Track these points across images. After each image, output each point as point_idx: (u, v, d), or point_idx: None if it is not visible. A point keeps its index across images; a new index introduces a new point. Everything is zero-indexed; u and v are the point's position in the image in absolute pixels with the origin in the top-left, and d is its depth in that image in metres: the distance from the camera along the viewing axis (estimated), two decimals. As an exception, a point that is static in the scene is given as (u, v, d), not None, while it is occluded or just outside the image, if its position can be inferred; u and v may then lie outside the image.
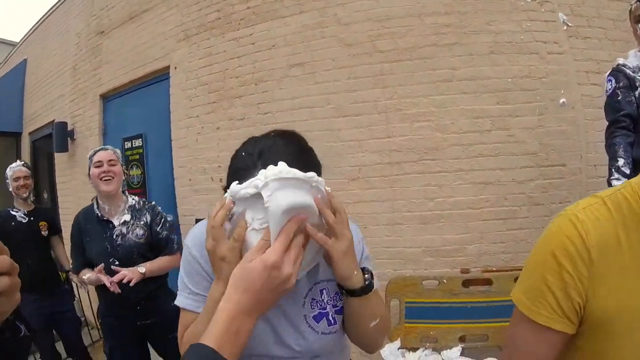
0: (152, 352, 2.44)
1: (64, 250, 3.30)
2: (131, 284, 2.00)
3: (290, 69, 3.14)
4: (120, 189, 2.29)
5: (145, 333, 2.30)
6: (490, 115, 2.83)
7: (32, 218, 3.05)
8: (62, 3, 5.61)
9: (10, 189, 3.02)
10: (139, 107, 4.25)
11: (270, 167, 0.74)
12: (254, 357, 1.02)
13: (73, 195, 5.05)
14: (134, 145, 4.18)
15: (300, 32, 3.13)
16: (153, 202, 2.40)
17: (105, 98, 4.67)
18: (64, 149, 4.98)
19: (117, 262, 2.13)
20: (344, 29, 3.02)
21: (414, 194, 2.87)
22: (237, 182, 0.78)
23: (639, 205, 0.66)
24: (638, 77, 2.02)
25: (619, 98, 2.02)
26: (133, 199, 2.35)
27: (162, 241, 2.28)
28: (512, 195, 2.81)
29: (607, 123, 2.10)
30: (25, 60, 6.74)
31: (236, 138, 3.02)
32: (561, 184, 2.83)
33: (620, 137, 1.99)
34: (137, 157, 4.17)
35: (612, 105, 2.07)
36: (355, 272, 0.87)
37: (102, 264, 2.06)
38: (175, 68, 3.78)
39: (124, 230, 2.22)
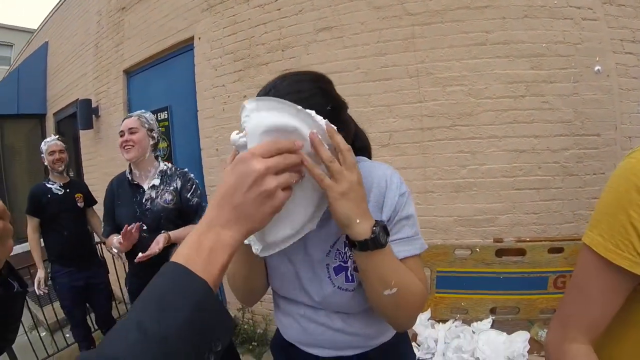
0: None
1: (100, 221, 3.33)
2: (158, 250, 1.97)
3: (318, 34, 3.08)
4: (151, 154, 2.27)
5: None
6: (524, 80, 2.74)
7: (67, 190, 3.10)
8: (82, -18, 5.64)
9: (46, 163, 3.06)
10: (163, 80, 4.24)
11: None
12: (285, 299, 1.02)
13: (98, 171, 5.12)
14: (159, 119, 4.17)
15: (328, -5, 3.05)
16: (185, 169, 2.36)
17: (129, 73, 4.70)
18: (88, 126, 5.03)
19: (144, 227, 2.13)
20: (372, -9, 2.93)
21: (446, 161, 2.80)
22: (237, 131, 0.74)
23: None
24: None
25: None
26: (165, 165, 2.32)
27: (192, 208, 2.24)
28: (545, 164, 2.73)
29: None
30: (46, 43, 6.83)
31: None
32: (595, 155, 2.74)
33: None
34: (163, 129, 4.16)
35: None
36: (358, 221, 0.75)
37: (127, 225, 2.02)
38: (200, 38, 3.75)
39: (153, 194, 2.20)
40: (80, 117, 5.01)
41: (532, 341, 2.21)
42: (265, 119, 0.69)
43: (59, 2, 6.37)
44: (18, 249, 6.04)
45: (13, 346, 1.63)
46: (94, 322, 3.38)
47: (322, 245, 0.92)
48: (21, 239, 6.56)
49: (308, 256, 0.94)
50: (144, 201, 2.19)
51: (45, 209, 2.99)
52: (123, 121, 2.27)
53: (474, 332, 2.43)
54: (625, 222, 0.64)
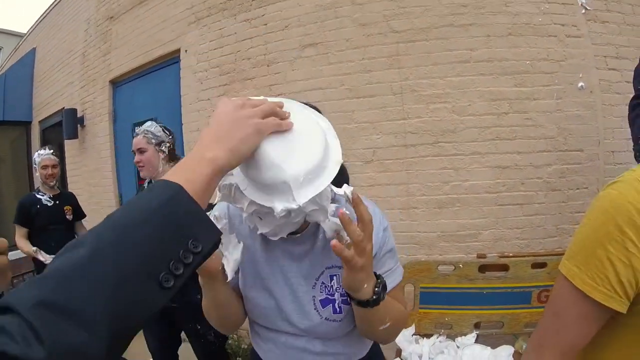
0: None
1: None
2: None
3: (304, 50, 3.09)
4: (166, 165, 2.25)
5: (173, 319, 2.27)
6: (507, 97, 2.78)
7: (57, 202, 3.07)
8: (71, -10, 5.61)
9: (37, 174, 3.02)
10: (149, 91, 4.23)
11: None
12: (265, 328, 1.01)
13: (83, 182, 5.06)
14: (144, 130, 4.15)
15: (314, 12, 3.07)
16: None
17: (115, 84, 4.67)
18: (73, 135, 4.99)
19: None
20: (358, 8, 2.96)
21: (429, 177, 2.81)
22: None
23: None
24: None
25: None
26: None
27: None
28: (529, 180, 2.76)
29: (634, 93, 1.98)
30: (34, 49, 6.76)
31: (248, 120, 2.97)
32: (579, 170, 2.78)
33: None
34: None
35: None
36: (365, 286, 0.77)
37: None
38: (186, 51, 3.75)
39: None
40: (66, 126, 4.96)
41: (517, 355, 2.22)
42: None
43: (49, 7, 6.32)
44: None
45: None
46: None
47: (305, 278, 0.93)
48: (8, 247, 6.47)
49: (291, 289, 0.94)
50: None
51: (34, 220, 2.97)
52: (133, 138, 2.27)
53: (458, 347, 2.44)
54: (602, 256, 0.64)
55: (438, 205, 2.80)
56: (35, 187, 3.15)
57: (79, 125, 4.99)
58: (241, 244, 0.80)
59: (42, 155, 3.01)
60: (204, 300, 0.95)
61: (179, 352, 2.45)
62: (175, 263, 0.45)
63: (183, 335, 2.41)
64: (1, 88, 6.65)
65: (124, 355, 0.46)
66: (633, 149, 1.93)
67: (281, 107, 0.71)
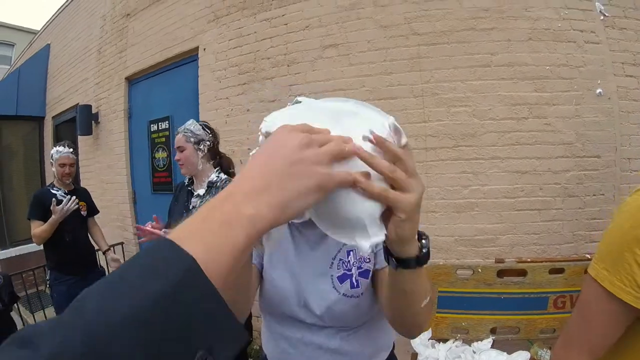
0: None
1: (101, 231, 3.33)
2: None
3: (324, 50, 3.10)
4: (206, 164, 2.31)
5: None
6: (527, 102, 2.77)
7: (72, 198, 3.06)
8: (87, -13, 5.64)
9: (54, 170, 3.02)
10: (165, 89, 4.23)
11: None
12: (280, 323, 1.02)
13: (95, 178, 5.08)
14: (160, 128, 4.16)
15: (335, 12, 3.07)
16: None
17: (131, 81, 4.69)
18: (87, 132, 5.01)
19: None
20: (380, 10, 2.96)
21: (448, 181, 2.81)
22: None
23: None
24: None
25: None
26: (217, 176, 2.33)
27: None
28: (547, 185, 2.75)
29: None
30: (48, 45, 6.81)
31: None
32: (595, 176, 2.77)
33: None
34: (163, 139, 4.15)
35: None
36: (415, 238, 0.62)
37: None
38: (205, 49, 3.75)
39: (197, 202, 2.28)
40: (80, 122, 4.99)
41: (532, 361, 2.22)
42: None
43: (63, 4, 6.37)
44: (13, 252, 5.99)
45: None
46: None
47: (322, 262, 0.96)
48: (16, 242, 6.51)
49: (311, 270, 0.96)
50: (191, 208, 2.28)
51: (48, 214, 2.97)
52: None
53: (474, 352, 2.43)
54: (630, 259, 0.67)
55: (457, 210, 2.80)
56: (49, 183, 3.14)
57: (93, 122, 5.01)
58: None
59: (61, 152, 3.00)
60: None
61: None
62: None
63: None
64: (15, 83, 6.71)
65: None
66: None
67: (348, 143, 0.51)
